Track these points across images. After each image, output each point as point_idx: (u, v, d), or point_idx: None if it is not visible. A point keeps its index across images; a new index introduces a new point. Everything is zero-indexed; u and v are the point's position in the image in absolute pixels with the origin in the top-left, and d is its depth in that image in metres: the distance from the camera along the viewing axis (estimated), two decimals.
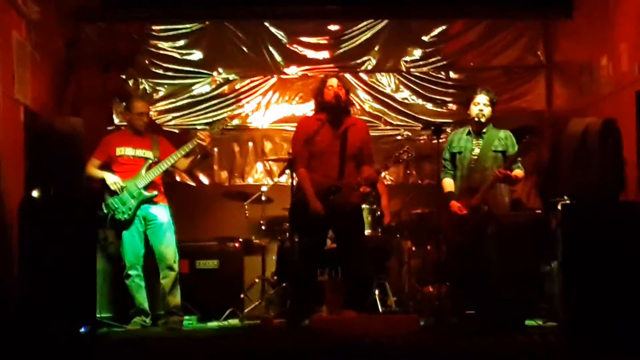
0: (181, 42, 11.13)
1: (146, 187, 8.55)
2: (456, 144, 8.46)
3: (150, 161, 8.63)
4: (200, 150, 8.70)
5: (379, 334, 7.09)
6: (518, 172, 8.19)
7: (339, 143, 7.98)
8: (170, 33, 11.11)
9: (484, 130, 8.34)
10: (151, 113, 9.71)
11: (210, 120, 10.36)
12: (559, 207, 7.34)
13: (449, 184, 8.49)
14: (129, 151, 8.63)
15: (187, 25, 11.09)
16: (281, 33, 11.16)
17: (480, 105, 8.30)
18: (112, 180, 8.47)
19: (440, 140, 8.27)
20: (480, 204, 8.13)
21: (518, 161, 8.22)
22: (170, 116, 11.10)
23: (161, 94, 11.13)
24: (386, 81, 11.27)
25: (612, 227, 6.89)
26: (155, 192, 8.61)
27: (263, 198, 9.90)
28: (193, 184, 11.13)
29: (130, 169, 8.59)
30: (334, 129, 8.01)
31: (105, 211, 8.49)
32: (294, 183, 8.12)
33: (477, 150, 8.30)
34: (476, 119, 8.31)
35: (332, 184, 7.86)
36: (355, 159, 8.02)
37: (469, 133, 8.43)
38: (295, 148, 8.21)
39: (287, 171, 8.55)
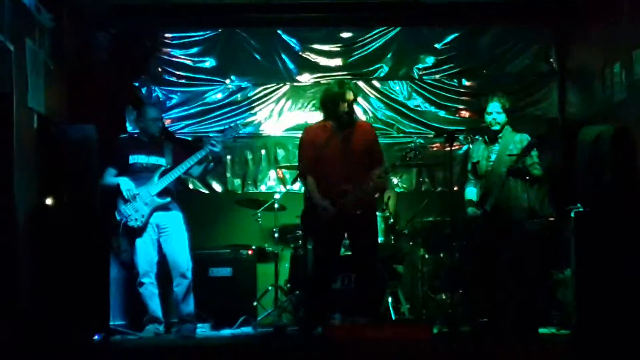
0: (194, 50, 11.13)
1: (159, 194, 8.56)
2: (475, 154, 8.68)
3: (163, 168, 8.64)
4: (212, 157, 8.71)
5: (392, 341, 7.09)
6: (534, 171, 8.24)
7: (344, 147, 7.98)
8: (183, 40, 11.10)
9: (500, 136, 8.41)
10: (164, 120, 9.71)
11: (223, 127, 10.32)
12: (573, 214, 7.33)
13: (469, 192, 8.70)
14: (142, 159, 8.65)
15: (200, 33, 11.09)
16: (294, 40, 11.16)
17: (494, 114, 8.42)
18: (126, 187, 8.48)
19: (453, 148, 8.29)
20: (494, 209, 8.22)
21: (535, 163, 8.26)
22: (183, 124, 11.09)
23: (174, 101, 11.11)
24: (399, 89, 11.23)
25: (625, 234, 6.89)
26: (168, 199, 8.62)
27: (276, 206, 9.88)
28: (206, 191, 11.12)
29: (144, 176, 8.59)
30: (340, 134, 8.02)
31: (118, 218, 8.51)
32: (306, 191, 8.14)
33: (493, 157, 8.37)
34: (491, 127, 8.38)
35: (340, 189, 7.86)
36: (364, 161, 8.00)
37: (485, 141, 8.51)
38: (301, 156, 8.25)
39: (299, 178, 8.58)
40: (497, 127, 8.42)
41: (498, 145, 8.43)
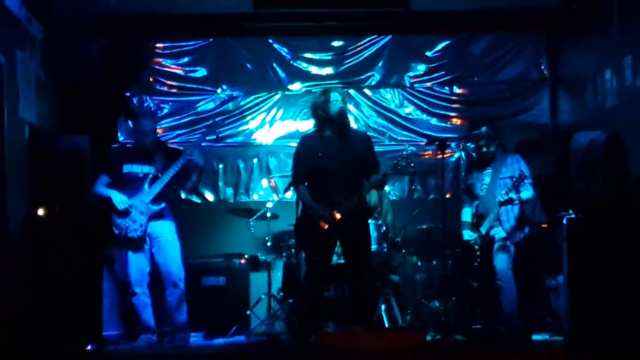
0: (185, 59, 11.13)
1: (153, 201, 8.54)
2: (470, 176, 8.88)
3: (151, 175, 8.61)
4: (192, 166, 8.68)
5: (386, 349, 7.09)
6: (524, 194, 8.34)
7: (342, 158, 7.95)
8: (174, 50, 11.10)
9: (492, 161, 8.66)
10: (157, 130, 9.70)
11: (214, 137, 10.26)
12: (565, 221, 7.34)
13: (464, 213, 8.90)
14: (135, 168, 8.62)
15: (191, 43, 11.10)
16: (285, 49, 11.16)
17: (483, 147, 8.66)
18: (119, 199, 8.45)
19: (445, 155, 8.35)
20: (487, 233, 8.46)
21: (526, 183, 8.33)
22: (174, 133, 11.07)
23: (165, 111, 11.10)
24: (390, 97, 11.24)
25: (617, 240, 6.89)
26: (163, 204, 8.60)
27: (268, 214, 9.89)
28: (198, 200, 11.10)
29: (135, 186, 8.56)
30: (337, 144, 7.98)
31: (116, 232, 8.47)
32: (299, 200, 8.13)
33: (487, 180, 8.54)
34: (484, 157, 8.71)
35: (333, 198, 7.84)
36: (361, 171, 7.98)
37: (480, 166, 8.72)
38: (295, 166, 8.21)
39: (292, 188, 8.57)
40: (488, 156, 8.68)
41: (491, 169, 8.67)
